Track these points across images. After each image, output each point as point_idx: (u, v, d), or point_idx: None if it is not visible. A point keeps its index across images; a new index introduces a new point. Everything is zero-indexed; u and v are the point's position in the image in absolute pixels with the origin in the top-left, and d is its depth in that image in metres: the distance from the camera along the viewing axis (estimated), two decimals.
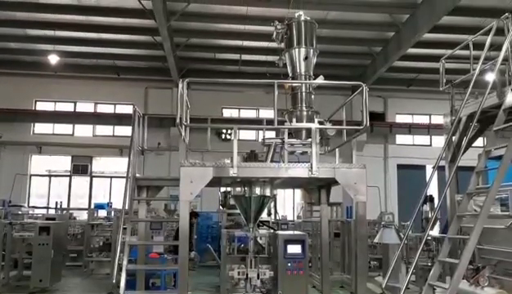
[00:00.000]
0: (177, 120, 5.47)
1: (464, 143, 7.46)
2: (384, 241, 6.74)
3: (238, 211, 14.13)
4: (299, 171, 5.47)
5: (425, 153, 21.00)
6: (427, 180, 22.58)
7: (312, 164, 5.42)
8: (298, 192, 20.59)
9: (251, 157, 6.58)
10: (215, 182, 6.07)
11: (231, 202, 13.48)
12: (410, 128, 21.66)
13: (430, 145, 22.20)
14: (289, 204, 21.29)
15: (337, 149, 7.00)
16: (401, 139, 22.33)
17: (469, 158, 6.78)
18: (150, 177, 7.26)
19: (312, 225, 13.11)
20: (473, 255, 7.13)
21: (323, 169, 5.47)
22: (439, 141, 22.48)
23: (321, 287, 7.88)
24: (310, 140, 6.01)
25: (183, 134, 6.14)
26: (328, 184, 7.30)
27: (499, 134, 6.07)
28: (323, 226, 7.52)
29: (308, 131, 6.07)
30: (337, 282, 11.29)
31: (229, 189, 15.44)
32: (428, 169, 22.56)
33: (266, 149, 6.76)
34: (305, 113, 6.32)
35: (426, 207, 12.31)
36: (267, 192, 6.15)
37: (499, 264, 6.68)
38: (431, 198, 12.49)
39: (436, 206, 7.53)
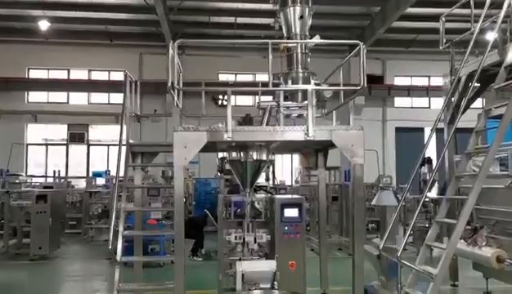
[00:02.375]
0: (169, 84, 5.31)
1: (463, 103, 7.33)
2: (382, 203, 6.67)
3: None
4: (295, 134, 5.34)
5: (424, 116, 20.86)
6: (425, 142, 22.63)
7: (308, 127, 5.29)
8: (297, 157, 20.58)
9: (246, 121, 6.44)
10: (211, 147, 5.95)
11: (227, 167, 13.48)
12: (409, 90, 21.45)
13: (429, 108, 22.06)
14: (287, 169, 21.31)
15: (334, 112, 6.86)
16: (399, 102, 22.15)
17: (467, 120, 6.67)
18: (144, 143, 7.14)
19: (310, 190, 13.12)
20: (471, 215, 7.11)
21: (319, 131, 5.35)
22: (438, 103, 22.30)
23: (319, 250, 7.90)
24: (306, 102, 5.86)
25: (175, 98, 5.98)
26: (325, 147, 7.19)
27: (499, 93, 5.93)
28: (320, 190, 7.47)
29: (304, 93, 5.91)
30: (335, 244, 11.39)
31: (226, 154, 15.46)
32: (427, 132, 22.49)
33: (261, 113, 6.62)
34: (301, 74, 6.14)
35: (424, 169, 12.30)
36: (264, 156, 6.03)
37: (497, 223, 6.66)
38: (429, 160, 12.46)
39: (434, 167, 7.43)
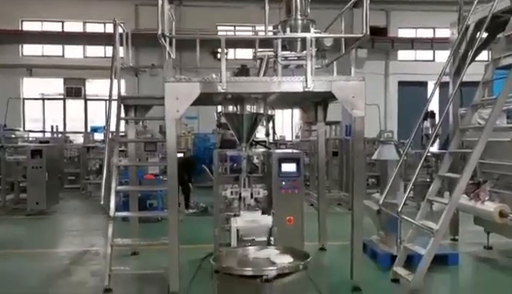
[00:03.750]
0: (159, 32, 4.99)
1: (470, 54, 6.99)
2: (383, 157, 6.49)
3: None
4: (293, 85, 5.07)
5: (428, 69, 20.36)
6: (429, 97, 22.26)
7: (306, 77, 5.02)
8: (297, 112, 20.29)
9: (242, 72, 6.17)
10: (206, 100, 5.69)
11: (223, 120, 13.20)
12: (413, 43, 20.85)
13: (433, 61, 21.53)
14: (287, 124, 21.06)
15: (335, 64, 6.55)
16: (403, 55, 21.59)
17: (472, 73, 6.37)
18: (136, 95, 6.87)
19: (309, 145, 12.93)
20: (474, 169, 6.94)
21: (318, 82, 5.08)
22: (443, 56, 21.74)
23: (317, 205, 7.80)
24: (305, 52, 5.55)
25: (167, 47, 5.67)
26: (324, 100, 6.93)
27: (509, 43, 5.61)
28: (320, 145, 7.27)
29: (303, 42, 5.58)
30: (335, 200, 11.31)
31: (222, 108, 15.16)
32: (430, 86, 22.06)
33: (258, 64, 6.33)
34: (300, 22, 5.78)
35: (427, 123, 12.04)
36: (260, 109, 5.79)
37: (501, 178, 6.49)
38: (432, 114, 12.18)
39: (438, 121, 7.19)
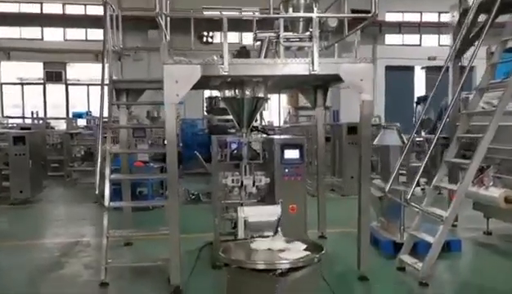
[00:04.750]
0: (157, 10, 4.68)
1: (471, 36, 6.86)
2: (385, 143, 6.33)
3: (225, 116, 13.67)
4: (298, 67, 4.83)
5: (415, 54, 20.35)
6: (415, 81, 22.34)
7: (313, 59, 4.78)
8: (284, 97, 20.06)
9: (242, 54, 5.89)
10: (202, 84, 5.39)
11: (222, 105, 12.88)
12: (401, 27, 20.78)
13: (420, 45, 21.51)
14: (274, 110, 20.83)
15: (336, 45, 6.34)
16: (390, 39, 21.51)
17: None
18: (129, 79, 6.55)
19: (301, 130, 12.74)
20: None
21: (325, 65, 4.85)
22: (429, 41, 21.76)
23: (314, 192, 7.64)
24: (308, 33, 5.31)
25: (164, 29, 5.34)
26: (325, 84, 6.73)
27: None
28: (319, 130, 7.07)
29: (307, 22, 5.34)
30: (328, 185, 11.15)
31: (214, 93, 14.84)
32: (417, 70, 22.10)
33: (257, 46, 6.05)
34: (302, 1, 5.52)
35: (419, 108, 11.98)
36: (261, 93, 5.54)
37: (503, 162, 6.40)
38: (426, 99, 12.12)
39: (425, 107, 7.04)
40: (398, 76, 21.08)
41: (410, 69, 21.41)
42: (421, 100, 11.86)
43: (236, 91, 5.51)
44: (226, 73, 4.74)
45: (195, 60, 4.80)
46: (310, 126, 12.94)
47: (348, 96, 16.71)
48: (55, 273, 5.60)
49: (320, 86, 6.79)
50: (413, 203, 5.15)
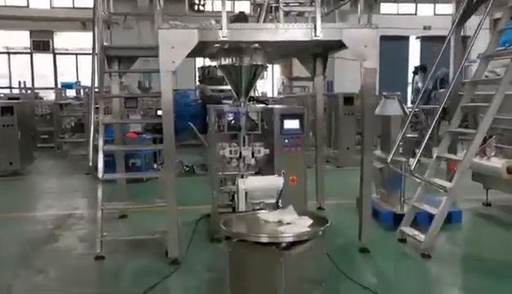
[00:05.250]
0: None
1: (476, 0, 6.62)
2: (387, 113, 6.17)
3: (219, 86, 13.39)
4: (300, 32, 4.61)
5: (410, 24, 20.04)
6: (410, 51, 22.10)
7: (315, 24, 4.57)
8: (277, 67, 19.75)
9: (240, 19, 5.63)
10: (198, 51, 5.15)
11: (216, 74, 12.53)
12: None
13: (415, 14, 21.18)
14: (267, 80, 20.52)
15: (336, 11, 6.10)
16: (385, 8, 21.12)
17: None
18: (121, 46, 6.27)
19: (297, 101, 12.54)
20: (476, 124, 6.73)
21: (328, 30, 4.63)
22: (425, 10, 21.42)
23: (310, 163, 7.49)
24: None
25: None
26: (325, 52, 6.52)
27: None
28: (318, 100, 6.89)
29: None
30: (323, 157, 11.04)
31: (207, 63, 14.49)
32: (412, 40, 21.82)
33: (254, 14, 5.81)
34: None
35: (417, 78, 11.81)
36: (259, 61, 5.33)
37: (504, 133, 6.30)
38: (423, 68, 11.93)
39: (428, 76, 6.84)
40: (393, 46, 20.75)
41: (405, 38, 21.11)
42: (419, 69, 11.68)
43: (234, 58, 5.30)
44: (225, 39, 4.52)
45: (192, 25, 4.55)
46: (305, 97, 12.76)
47: (342, 66, 16.49)
48: (49, 245, 5.46)
49: (319, 54, 6.58)
50: (417, 174, 5.03)
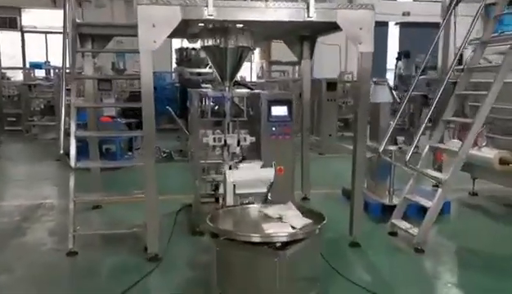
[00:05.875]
0: None
1: None
2: (377, 100, 5.93)
3: (197, 69, 12.92)
4: (292, 12, 4.27)
5: (389, 9, 19.82)
6: (388, 37, 21.99)
7: (308, 4, 4.24)
8: (256, 51, 19.30)
9: None
10: (179, 31, 4.74)
11: (194, 57, 12.10)
12: None
13: (394, 0, 21.02)
14: (245, 64, 20.06)
15: None
16: None
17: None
18: (96, 23, 5.80)
19: (279, 85, 12.21)
20: (464, 112, 6.56)
21: (321, 10, 4.31)
22: None
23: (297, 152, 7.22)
24: None
25: None
26: (314, 34, 6.20)
27: None
28: (305, 84, 6.58)
29: None
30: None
31: (186, 45, 13.99)
32: (391, 26, 21.70)
33: None
34: None
35: (400, 64, 11.62)
36: (246, 42, 4.97)
37: (496, 122, 6.14)
38: (406, 54, 11.74)
39: (423, 65, 6.58)
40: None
41: (384, 24, 20.93)
42: (402, 55, 11.50)
43: (219, 39, 4.93)
44: (211, 17, 4.15)
45: (175, 1, 4.16)
46: (287, 81, 12.48)
47: (320, 51, 16.20)
48: (16, 240, 5.03)
49: (306, 37, 6.26)
50: (411, 165, 4.80)
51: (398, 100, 5.89)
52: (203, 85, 11.60)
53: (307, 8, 4.27)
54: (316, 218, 3.41)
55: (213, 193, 5.43)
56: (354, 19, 4.39)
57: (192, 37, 6.34)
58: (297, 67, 15.26)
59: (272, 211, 3.44)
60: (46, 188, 7.48)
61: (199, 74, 12.90)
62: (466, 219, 5.94)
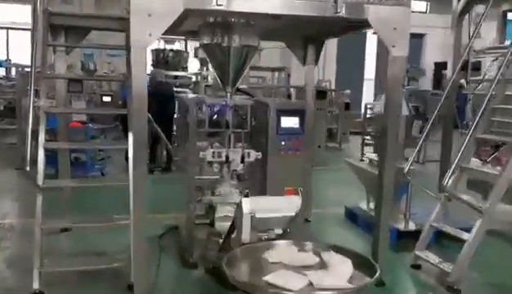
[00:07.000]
0: None
1: None
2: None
3: (173, 72, 12.00)
4: (319, 6, 3.56)
5: None
6: (366, 46, 21.71)
7: None
8: None
9: None
10: (172, 26, 3.94)
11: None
12: None
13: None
14: None
15: None
16: None
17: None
18: (72, 13, 4.91)
19: (267, 92, 11.52)
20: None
21: (352, 6, 3.63)
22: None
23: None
24: None
25: None
26: (319, 37, 5.52)
27: None
28: (308, 91, 5.87)
29: None
30: None
31: (162, 46, 13.07)
32: (369, 34, 21.41)
33: None
34: None
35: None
36: (252, 41, 4.24)
37: None
38: None
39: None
40: (351, 39, 20.23)
41: (362, 33, 20.64)
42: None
43: (221, 37, 4.19)
44: (220, 8, 3.37)
45: None
46: (271, 88, 11.87)
47: (295, 58, 15.58)
48: None
49: (312, 39, 5.57)
50: (449, 191, 4.15)
51: (414, 113, 5.26)
52: (178, 89, 10.76)
53: (335, 2, 3.57)
54: (362, 265, 2.68)
55: (202, 213, 4.63)
56: (388, 17, 3.72)
57: (186, 34, 5.55)
58: (276, 73, 14.66)
59: (309, 252, 2.68)
60: (3, 203, 6.45)
61: (176, 77, 12.03)
62: (489, 246, 5.34)
